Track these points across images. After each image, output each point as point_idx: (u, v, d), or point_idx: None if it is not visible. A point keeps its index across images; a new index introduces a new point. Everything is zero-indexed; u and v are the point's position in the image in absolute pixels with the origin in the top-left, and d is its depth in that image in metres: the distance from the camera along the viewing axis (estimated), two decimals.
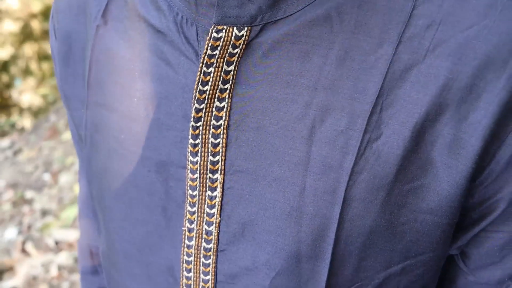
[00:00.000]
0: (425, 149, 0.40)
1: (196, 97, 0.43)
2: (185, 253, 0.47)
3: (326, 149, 0.41)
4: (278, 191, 0.42)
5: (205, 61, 0.42)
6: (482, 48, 0.38)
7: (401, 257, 0.43)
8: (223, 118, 0.43)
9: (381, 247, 0.42)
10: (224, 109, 0.43)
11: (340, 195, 0.41)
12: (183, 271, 0.48)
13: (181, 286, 0.48)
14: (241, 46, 0.42)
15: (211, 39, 0.41)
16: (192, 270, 0.47)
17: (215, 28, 0.41)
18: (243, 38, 0.41)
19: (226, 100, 0.43)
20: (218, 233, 0.45)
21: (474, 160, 0.39)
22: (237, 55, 0.42)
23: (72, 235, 2.24)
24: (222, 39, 0.41)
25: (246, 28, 0.41)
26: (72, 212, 2.36)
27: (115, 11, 0.49)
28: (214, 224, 0.45)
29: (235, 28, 0.41)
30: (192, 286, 0.48)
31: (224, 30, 0.41)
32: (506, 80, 0.38)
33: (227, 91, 0.43)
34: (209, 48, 0.42)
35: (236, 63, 0.42)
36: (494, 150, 0.40)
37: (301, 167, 0.41)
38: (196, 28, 0.43)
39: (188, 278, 0.48)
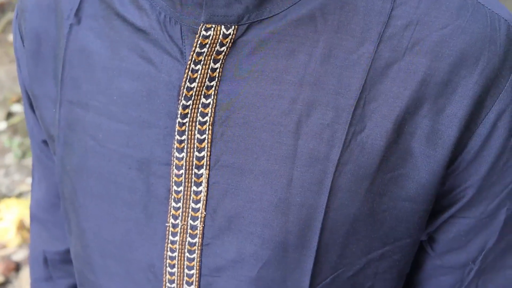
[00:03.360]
0: (405, 140, 0.43)
1: (184, 94, 0.44)
2: (168, 248, 0.47)
3: (313, 142, 0.43)
4: (265, 183, 0.44)
5: (193, 59, 0.43)
6: (457, 46, 0.41)
7: (380, 243, 0.46)
8: (209, 115, 0.44)
9: (363, 234, 0.45)
10: (210, 106, 0.44)
11: (326, 185, 0.43)
12: (166, 267, 0.48)
13: (164, 282, 0.48)
14: (228, 44, 0.43)
15: (200, 37, 0.42)
16: (176, 266, 0.48)
17: (204, 27, 0.42)
18: (230, 36, 0.43)
19: (212, 96, 0.44)
20: (203, 227, 0.46)
21: (450, 150, 0.43)
22: (223, 53, 0.43)
23: None
24: (210, 37, 0.42)
25: (233, 27, 0.42)
26: None
27: (89, 10, 0.49)
28: (199, 219, 0.46)
29: (223, 26, 0.42)
30: (175, 281, 0.48)
31: (212, 29, 0.42)
32: (478, 75, 0.41)
33: (213, 88, 0.44)
34: (198, 45, 0.42)
35: (222, 61, 0.43)
36: (466, 140, 0.43)
37: (288, 160, 0.43)
38: (181, 27, 0.44)
39: (171, 274, 0.48)
